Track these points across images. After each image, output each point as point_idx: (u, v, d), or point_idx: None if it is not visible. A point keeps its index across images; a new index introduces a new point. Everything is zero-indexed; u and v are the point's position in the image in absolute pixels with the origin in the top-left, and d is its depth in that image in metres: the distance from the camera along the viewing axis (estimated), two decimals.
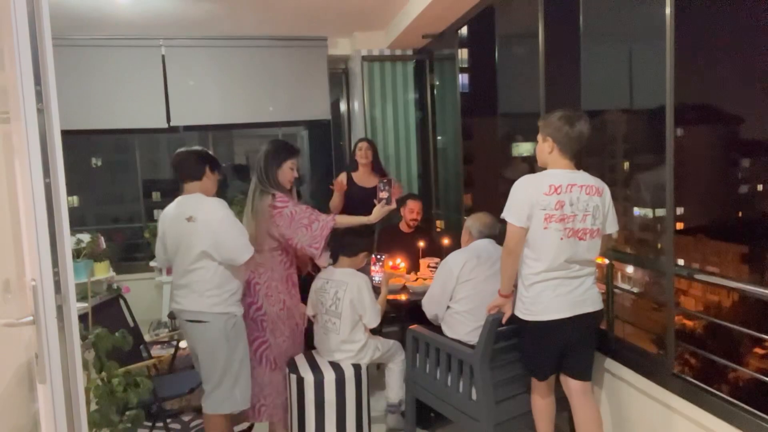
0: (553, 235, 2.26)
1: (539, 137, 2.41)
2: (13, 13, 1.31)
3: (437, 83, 5.09)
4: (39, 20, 1.36)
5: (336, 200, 4.00)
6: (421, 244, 3.78)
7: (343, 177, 4.00)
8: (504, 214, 2.35)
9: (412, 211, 3.97)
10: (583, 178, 2.33)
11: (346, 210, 3.87)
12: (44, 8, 1.38)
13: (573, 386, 2.43)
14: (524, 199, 2.29)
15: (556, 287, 2.30)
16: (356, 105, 5.18)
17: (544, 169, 2.38)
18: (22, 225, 1.38)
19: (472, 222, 2.98)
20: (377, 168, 4.20)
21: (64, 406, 1.40)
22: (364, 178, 4.10)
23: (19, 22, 1.32)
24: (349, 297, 2.77)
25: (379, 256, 3.48)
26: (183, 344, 3.37)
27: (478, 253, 2.84)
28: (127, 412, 2.46)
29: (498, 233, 2.96)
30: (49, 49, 1.39)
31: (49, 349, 1.36)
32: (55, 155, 1.42)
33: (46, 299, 1.35)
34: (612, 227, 2.40)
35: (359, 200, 3.79)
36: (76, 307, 1.43)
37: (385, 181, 2.94)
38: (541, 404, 2.52)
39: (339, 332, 2.81)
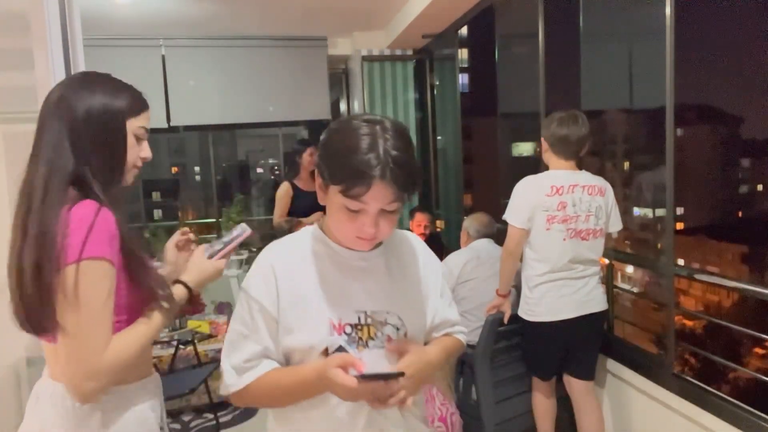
0: (556, 236, 2.27)
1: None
2: (46, 17, 1.33)
3: (437, 83, 5.09)
4: (71, 24, 1.39)
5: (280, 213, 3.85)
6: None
7: (286, 193, 3.87)
8: (505, 216, 2.36)
9: (419, 225, 3.95)
10: (586, 178, 2.33)
11: (306, 212, 3.68)
12: (75, 12, 1.40)
13: (576, 386, 2.43)
14: (525, 201, 2.30)
15: (561, 288, 2.30)
16: (356, 105, 5.18)
17: (547, 168, 2.40)
18: None
19: (470, 222, 3.00)
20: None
21: None
22: (308, 183, 3.92)
23: (51, 25, 1.34)
24: None
25: None
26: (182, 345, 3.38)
27: (478, 253, 2.84)
28: None
29: (496, 232, 2.97)
30: (80, 52, 1.42)
31: None
32: None
33: None
34: (615, 226, 2.41)
35: (309, 206, 3.58)
36: None
37: None
38: (544, 404, 2.52)
39: None
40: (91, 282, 1.03)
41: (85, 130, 1.11)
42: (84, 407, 1.09)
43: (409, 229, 3.92)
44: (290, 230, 3.65)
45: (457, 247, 3.09)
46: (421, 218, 3.97)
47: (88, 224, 1.04)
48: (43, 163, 1.09)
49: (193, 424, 3.31)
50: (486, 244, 2.90)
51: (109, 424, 1.12)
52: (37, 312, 1.05)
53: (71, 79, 1.21)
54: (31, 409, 1.16)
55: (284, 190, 3.90)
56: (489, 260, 2.80)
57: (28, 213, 1.06)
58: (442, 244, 4.29)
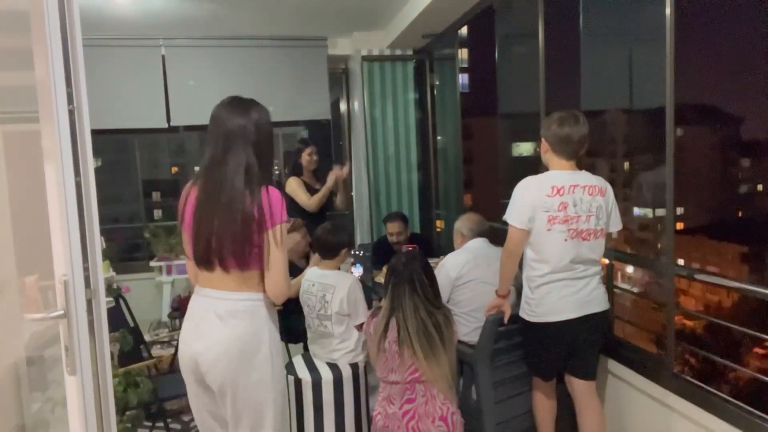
0: (557, 236, 2.26)
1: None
2: (46, 16, 1.33)
3: (437, 83, 5.09)
4: (71, 23, 1.39)
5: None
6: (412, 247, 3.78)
7: (299, 184, 3.93)
8: (506, 217, 2.36)
9: (391, 234, 3.94)
10: (585, 178, 2.33)
11: (307, 214, 3.82)
12: (75, 11, 1.40)
13: (578, 386, 2.43)
14: (526, 201, 2.29)
15: (562, 288, 2.30)
16: (356, 105, 5.18)
17: (547, 169, 2.39)
18: (51, 222, 1.41)
19: (461, 223, 3.01)
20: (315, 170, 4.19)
21: (93, 398, 1.43)
22: (312, 180, 4.05)
23: (51, 25, 1.35)
24: (338, 300, 2.74)
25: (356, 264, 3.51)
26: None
27: (475, 254, 2.84)
28: (127, 412, 2.47)
29: (488, 230, 2.98)
30: (80, 52, 1.42)
31: (80, 342, 1.38)
32: (86, 154, 1.45)
33: (77, 293, 1.38)
34: (615, 226, 2.40)
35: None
36: (105, 301, 1.46)
37: None
38: (544, 404, 2.52)
39: (333, 334, 2.80)
40: (285, 235, 1.79)
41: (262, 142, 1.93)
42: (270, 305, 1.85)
43: (387, 242, 3.93)
44: (290, 230, 3.65)
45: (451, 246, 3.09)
46: (391, 227, 3.95)
47: (280, 200, 1.78)
48: (237, 162, 1.81)
49: (193, 424, 3.31)
50: (481, 244, 2.90)
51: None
52: (246, 252, 1.74)
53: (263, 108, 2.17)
54: (220, 317, 1.76)
55: (296, 182, 3.93)
56: (486, 260, 2.80)
57: (236, 192, 1.75)
58: (429, 244, 4.28)
